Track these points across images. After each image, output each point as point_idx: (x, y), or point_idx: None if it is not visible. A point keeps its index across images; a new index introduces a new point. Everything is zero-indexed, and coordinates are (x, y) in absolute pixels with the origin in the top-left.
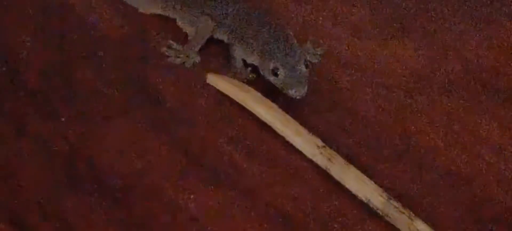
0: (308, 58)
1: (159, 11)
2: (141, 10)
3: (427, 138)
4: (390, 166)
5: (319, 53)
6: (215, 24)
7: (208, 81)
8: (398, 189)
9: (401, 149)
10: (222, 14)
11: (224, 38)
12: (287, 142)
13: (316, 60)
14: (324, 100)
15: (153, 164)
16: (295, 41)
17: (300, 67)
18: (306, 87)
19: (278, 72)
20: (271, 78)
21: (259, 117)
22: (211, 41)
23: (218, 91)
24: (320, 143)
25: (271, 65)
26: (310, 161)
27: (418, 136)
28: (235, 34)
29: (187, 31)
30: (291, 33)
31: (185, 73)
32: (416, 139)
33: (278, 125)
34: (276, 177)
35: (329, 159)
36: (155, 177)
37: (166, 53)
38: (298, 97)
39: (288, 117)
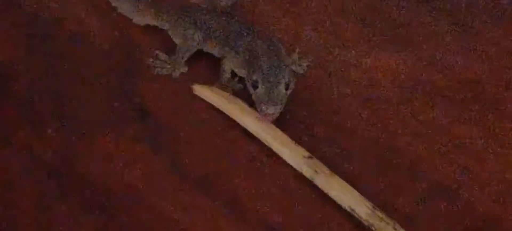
0: (293, 69)
1: (152, 22)
2: (135, 21)
3: (412, 148)
4: (376, 177)
5: (305, 64)
6: (204, 36)
7: (194, 92)
8: (383, 200)
9: (387, 160)
10: (212, 27)
11: (214, 51)
12: (275, 153)
13: (302, 71)
14: (310, 111)
15: (141, 175)
16: (285, 56)
17: (279, 88)
18: (278, 109)
19: (257, 86)
20: (251, 90)
21: (246, 127)
22: (199, 52)
23: (205, 102)
24: (306, 154)
25: (253, 77)
26: (297, 172)
27: (404, 147)
28: (225, 46)
29: (177, 43)
30: (282, 47)
31: (171, 84)
32: (401, 150)
33: (264, 136)
34: (264, 188)
35: (315, 170)
36: (143, 188)
37: (153, 64)
38: (268, 117)
39: (274, 127)
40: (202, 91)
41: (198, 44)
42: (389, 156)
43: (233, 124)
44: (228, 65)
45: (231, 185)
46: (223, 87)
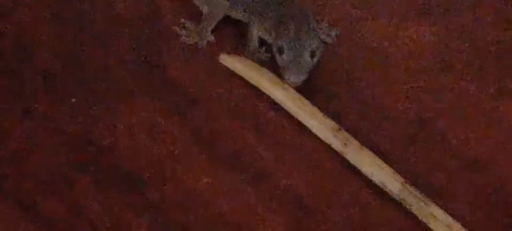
0: (322, 38)
1: None
2: None
3: (443, 122)
4: (405, 151)
5: (334, 34)
6: (230, 3)
7: (221, 61)
8: (413, 174)
9: (416, 134)
10: None
11: (241, 16)
12: (302, 125)
13: (330, 41)
14: (339, 84)
15: (165, 146)
16: (314, 24)
17: (304, 55)
18: (302, 77)
19: (283, 52)
20: (277, 56)
21: (273, 98)
22: (227, 21)
23: (232, 72)
24: (336, 126)
25: (279, 43)
26: (326, 145)
27: (434, 120)
28: (252, 11)
29: (203, 10)
30: (311, 14)
31: (198, 53)
32: (431, 124)
33: (292, 107)
34: (291, 161)
35: (345, 143)
36: (168, 159)
37: (179, 33)
38: (292, 85)
39: (303, 99)
40: (229, 60)
41: (224, 11)
42: (419, 130)
43: (261, 94)
44: (256, 31)
45: (259, 158)
46: (251, 57)
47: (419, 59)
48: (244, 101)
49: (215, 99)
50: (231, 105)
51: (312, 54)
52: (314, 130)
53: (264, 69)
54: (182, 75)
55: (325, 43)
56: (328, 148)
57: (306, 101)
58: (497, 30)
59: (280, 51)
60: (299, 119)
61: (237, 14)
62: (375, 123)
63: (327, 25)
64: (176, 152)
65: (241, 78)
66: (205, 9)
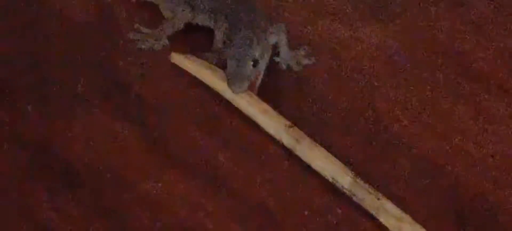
0: (290, 63)
1: None
2: None
3: (398, 123)
4: (360, 150)
5: (306, 62)
6: (194, 12)
7: (172, 60)
8: (367, 173)
9: (371, 134)
10: (204, 1)
11: (207, 21)
12: (258, 126)
13: (298, 69)
14: (293, 84)
15: (122, 154)
16: (262, 30)
17: (245, 66)
18: (243, 87)
19: (226, 62)
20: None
21: (224, 96)
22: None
23: (188, 76)
24: (288, 123)
25: (225, 52)
26: (281, 146)
27: (389, 121)
28: (217, 15)
29: (164, 14)
30: (262, 18)
31: (153, 57)
32: (386, 124)
33: (243, 104)
34: (247, 162)
35: (296, 139)
36: (123, 166)
37: (134, 38)
38: (234, 93)
39: (254, 96)
40: (179, 59)
41: (186, 20)
42: (374, 131)
43: (219, 97)
44: (220, 34)
45: (215, 160)
46: (211, 58)
47: (372, 61)
48: (200, 103)
49: (171, 102)
50: (186, 108)
51: (255, 63)
52: (265, 126)
53: (215, 68)
54: (139, 82)
55: (290, 68)
56: (284, 149)
57: (257, 99)
58: (453, 32)
59: (223, 61)
60: (250, 116)
61: (203, 20)
62: (329, 124)
63: (303, 53)
64: (132, 160)
65: (197, 81)
66: (167, 14)
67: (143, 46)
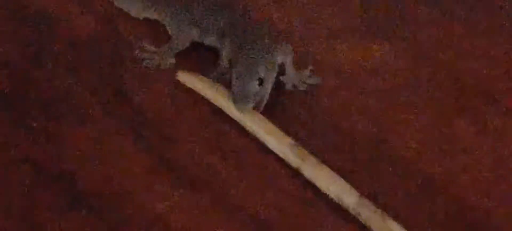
0: (295, 83)
1: (151, 16)
2: (133, 14)
3: (403, 143)
4: (365, 171)
5: (311, 83)
6: (201, 31)
7: (178, 78)
8: (372, 194)
9: (376, 155)
10: (211, 22)
11: (213, 42)
12: (263, 145)
13: (302, 88)
14: (298, 103)
15: (127, 171)
16: (268, 50)
17: (250, 84)
18: (248, 106)
19: (231, 82)
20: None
21: (230, 115)
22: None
23: (194, 94)
24: (293, 142)
25: (231, 71)
26: (286, 165)
27: (394, 141)
28: (223, 36)
29: (171, 33)
30: (270, 37)
31: (159, 76)
32: (392, 145)
33: (249, 124)
34: (251, 181)
35: (302, 158)
36: (128, 185)
37: (141, 56)
38: (239, 112)
39: (260, 115)
40: (187, 78)
41: (192, 38)
42: (379, 151)
43: (224, 115)
44: (226, 54)
45: (220, 178)
46: (217, 77)
47: (380, 81)
48: (206, 121)
49: (175, 120)
50: (193, 127)
51: (260, 82)
52: (271, 146)
53: (220, 86)
54: (145, 100)
55: (294, 87)
56: (290, 169)
57: (262, 117)
58: (451, 48)
59: (230, 80)
60: (256, 134)
61: (209, 40)
62: (334, 144)
63: (309, 73)
64: (137, 176)
65: (204, 100)
66: (173, 33)
67: (149, 65)
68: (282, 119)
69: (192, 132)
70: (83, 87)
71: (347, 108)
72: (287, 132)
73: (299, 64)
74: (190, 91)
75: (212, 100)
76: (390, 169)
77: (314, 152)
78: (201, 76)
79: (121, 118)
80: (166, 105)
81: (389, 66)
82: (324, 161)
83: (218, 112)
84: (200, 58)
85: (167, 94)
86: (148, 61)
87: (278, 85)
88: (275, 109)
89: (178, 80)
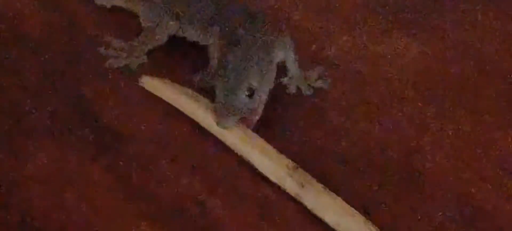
0: (299, 84)
1: (121, 4)
2: (98, 2)
3: (432, 157)
4: (384, 193)
5: (319, 86)
6: (181, 23)
7: (143, 85)
8: (395, 224)
9: (398, 173)
10: (193, 12)
11: (196, 36)
12: (250, 165)
13: (309, 93)
14: (301, 113)
15: (86, 195)
16: (271, 52)
17: (237, 96)
18: (231, 121)
19: (215, 89)
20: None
21: (211, 131)
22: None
23: (171, 106)
24: (291, 164)
25: (214, 76)
26: (282, 192)
27: (421, 154)
28: (211, 28)
29: (144, 25)
30: (267, 37)
31: (127, 79)
32: (418, 158)
33: (234, 141)
34: (242, 211)
35: (302, 184)
36: (88, 213)
37: (105, 54)
38: (220, 128)
39: (249, 131)
40: (154, 85)
41: (170, 32)
42: (402, 167)
43: (205, 131)
44: (215, 52)
45: (205, 210)
46: (204, 83)
47: (402, 84)
48: (184, 139)
49: (148, 137)
50: (169, 145)
51: (251, 93)
52: (262, 168)
53: (199, 96)
54: (108, 108)
55: (299, 90)
56: (286, 194)
57: (251, 133)
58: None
59: (214, 87)
60: (244, 155)
61: (191, 34)
62: (347, 159)
63: (317, 75)
64: (99, 203)
65: (179, 111)
66: (146, 25)
67: (115, 65)
68: (280, 133)
69: (169, 153)
70: (31, 97)
71: (362, 120)
72: (286, 150)
73: (305, 64)
74: (165, 103)
75: (187, 113)
76: (415, 189)
77: (317, 176)
78: (170, 82)
79: (81, 135)
80: (135, 119)
81: (415, 64)
82: (331, 188)
83: (201, 128)
84: (180, 57)
85: (137, 103)
86: (114, 60)
87: (277, 90)
88: (271, 120)
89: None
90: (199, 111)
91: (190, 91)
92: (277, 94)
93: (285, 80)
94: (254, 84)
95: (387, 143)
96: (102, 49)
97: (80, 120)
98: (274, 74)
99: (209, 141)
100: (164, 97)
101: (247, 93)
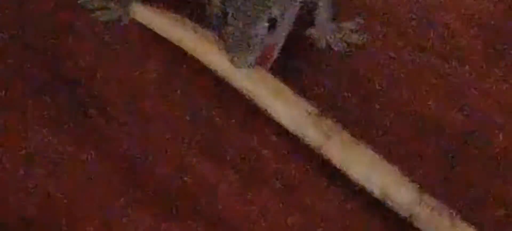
0: (329, 40)
1: None
2: None
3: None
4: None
5: (355, 41)
6: None
7: (134, 15)
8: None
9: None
10: None
11: None
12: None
13: (340, 49)
14: (327, 63)
15: (85, 189)
16: None
17: (255, 27)
18: (250, 58)
19: (227, 21)
20: (222, 27)
21: (216, 70)
22: None
23: (167, 62)
24: (314, 110)
25: (223, 8)
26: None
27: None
28: None
29: None
30: None
31: (114, 35)
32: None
33: (248, 84)
34: (252, 192)
35: (328, 135)
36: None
37: (86, 5)
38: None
39: (265, 73)
40: (144, 15)
41: None
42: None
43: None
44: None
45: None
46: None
47: (457, 37)
48: (192, 108)
49: (134, 102)
50: (173, 121)
51: (272, 25)
52: (278, 116)
53: (199, 28)
54: (91, 70)
55: (329, 48)
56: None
57: (269, 75)
58: None
59: (225, 18)
60: (258, 102)
61: None
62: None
63: (354, 26)
64: (88, 190)
65: (186, 79)
66: None
67: (102, 18)
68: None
69: (171, 127)
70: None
71: (403, 82)
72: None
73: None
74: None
75: (187, 49)
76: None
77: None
78: (167, 11)
79: (58, 99)
80: (125, 82)
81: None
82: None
83: (206, 92)
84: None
85: (134, 64)
86: (100, 13)
87: (298, 40)
88: (287, 70)
89: (136, 19)
90: (202, 46)
91: (190, 22)
92: (299, 48)
93: (311, 32)
94: (276, 12)
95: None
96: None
97: (60, 85)
98: (297, 8)
99: (217, 110)
100: (157, 30)
101: (267, 25)
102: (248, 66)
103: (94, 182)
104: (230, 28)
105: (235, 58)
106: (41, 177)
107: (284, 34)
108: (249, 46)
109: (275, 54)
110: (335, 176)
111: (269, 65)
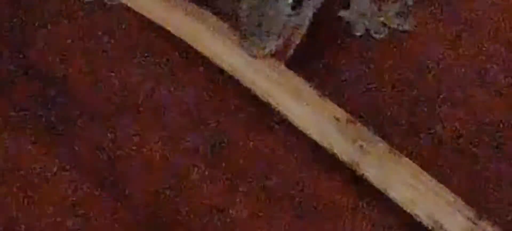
0: (366, 25)
1: None
2: None
3: None
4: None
5: (397, 26)
6: None
7: (126, 1)
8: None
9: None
10: None
11: None
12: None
13: (381, 36)
14: (357, 52)
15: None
16: None
17: (276, 9)
18: (269, 46)
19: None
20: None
21: (220, 64)
22: None
23: (148, 57)
24: (344, 114)
25: None
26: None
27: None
28: None
29: None
30: None
31: (97, 20)
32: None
33: (259, 80)
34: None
35: (361, 146)
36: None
37: None
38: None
39: (283, 67)
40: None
41: None
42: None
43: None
44: None
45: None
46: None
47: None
48: (192, 102)
49: (137, 102)
50: (172, 114)
51: (296, 5)
52: (299, 122)
53: (204, 12)
54: (69, 62)
55: (368, 35)
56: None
57: (288, 71)
58: None
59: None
60: (273, 101)
61: None
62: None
63: (397, 7)
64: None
65: (188, 79)
66: None
67: None
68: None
69: (171, 125)
70: None
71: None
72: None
73: None
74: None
75: (186, 39)
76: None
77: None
78: None
79: (30, 89)
80: (123, 74)
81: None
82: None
83: (217, 96)
84: None
85: (124, 51)
86: None
87: (326, 24)
88: (310, 61)
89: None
90: (205, 33)
91: (188, 5)
92: (328, 35)
93: (345, 14)
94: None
95: None
96: None
97: (32, 77)
98: None
99: (229, 113)
100: (152, 17)
101: (290, 4)
102: (265, 55)
103: None
104: (244, 6)
105: (249, 45)
106: None
107: (310, 15)
108: (268, 29)
109: (297, 41)
110: (371, 195)
111: (289, 54)
